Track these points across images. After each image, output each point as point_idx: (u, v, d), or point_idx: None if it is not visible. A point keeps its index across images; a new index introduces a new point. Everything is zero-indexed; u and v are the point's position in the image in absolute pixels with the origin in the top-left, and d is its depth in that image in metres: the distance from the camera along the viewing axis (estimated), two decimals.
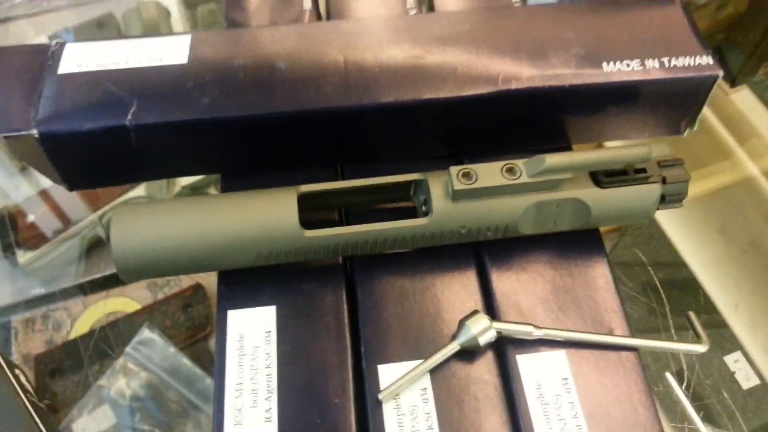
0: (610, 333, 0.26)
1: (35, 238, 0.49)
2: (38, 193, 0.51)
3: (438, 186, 0.25)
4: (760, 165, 0.50)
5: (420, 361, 0.25)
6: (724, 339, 0.44)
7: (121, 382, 0.44)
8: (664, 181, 0.27)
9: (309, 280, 0.27)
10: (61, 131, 0.25)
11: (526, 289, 0.27)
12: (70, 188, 0.28)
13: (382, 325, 0.26)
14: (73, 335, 0.48)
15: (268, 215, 0.24)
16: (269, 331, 0.25)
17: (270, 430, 0.23)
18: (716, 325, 0.45)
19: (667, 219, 0.48)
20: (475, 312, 0.25)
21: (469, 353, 0.25)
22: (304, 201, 0.25)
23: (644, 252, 0.47)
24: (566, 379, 0.25)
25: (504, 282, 0.27)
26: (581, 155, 0.25)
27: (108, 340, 0.48)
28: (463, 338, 0.25)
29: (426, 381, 0.25)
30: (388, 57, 0.27)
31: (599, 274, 0.27)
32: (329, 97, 0.26)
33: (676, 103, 0.29)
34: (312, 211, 0.26)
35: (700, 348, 0.26)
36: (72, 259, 0.50)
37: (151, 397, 0.44)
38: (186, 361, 0.44)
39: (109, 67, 0.26)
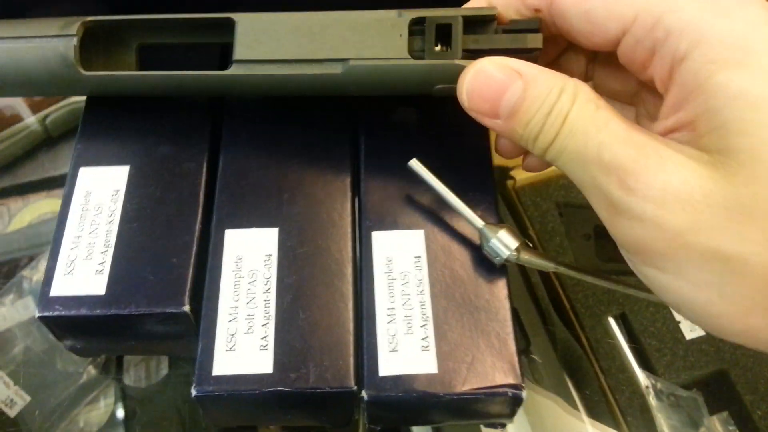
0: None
1: None
2: None
3: None
4: None
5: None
6: None
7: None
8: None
9: (170, 144, 0.26)
10: None
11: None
12: None
13: (238, 192, 0.25)
14: (9, 230, 0.48)
15: None
16: (117, 190, 0.24)
17: (100, 281, 0.23)
18: None
19: None
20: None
21: None
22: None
23: None
24: (419, 257, 0.23)
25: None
26: None
27: (41, 237, 0.48)
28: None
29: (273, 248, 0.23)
30: None
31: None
32: None
33: None
34: None
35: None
36: (14, 158, 0.50)
37: None
38: None
39: None
